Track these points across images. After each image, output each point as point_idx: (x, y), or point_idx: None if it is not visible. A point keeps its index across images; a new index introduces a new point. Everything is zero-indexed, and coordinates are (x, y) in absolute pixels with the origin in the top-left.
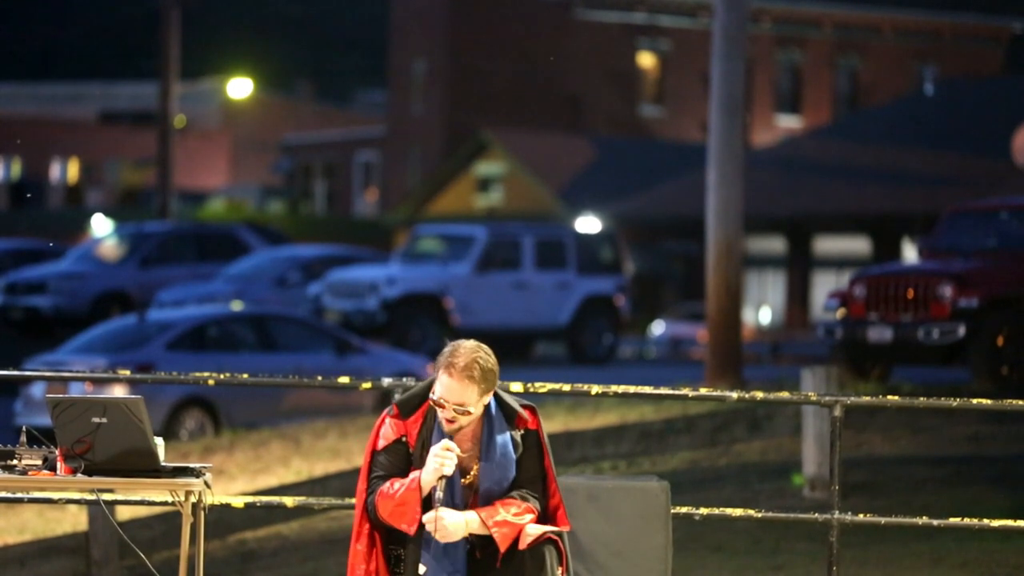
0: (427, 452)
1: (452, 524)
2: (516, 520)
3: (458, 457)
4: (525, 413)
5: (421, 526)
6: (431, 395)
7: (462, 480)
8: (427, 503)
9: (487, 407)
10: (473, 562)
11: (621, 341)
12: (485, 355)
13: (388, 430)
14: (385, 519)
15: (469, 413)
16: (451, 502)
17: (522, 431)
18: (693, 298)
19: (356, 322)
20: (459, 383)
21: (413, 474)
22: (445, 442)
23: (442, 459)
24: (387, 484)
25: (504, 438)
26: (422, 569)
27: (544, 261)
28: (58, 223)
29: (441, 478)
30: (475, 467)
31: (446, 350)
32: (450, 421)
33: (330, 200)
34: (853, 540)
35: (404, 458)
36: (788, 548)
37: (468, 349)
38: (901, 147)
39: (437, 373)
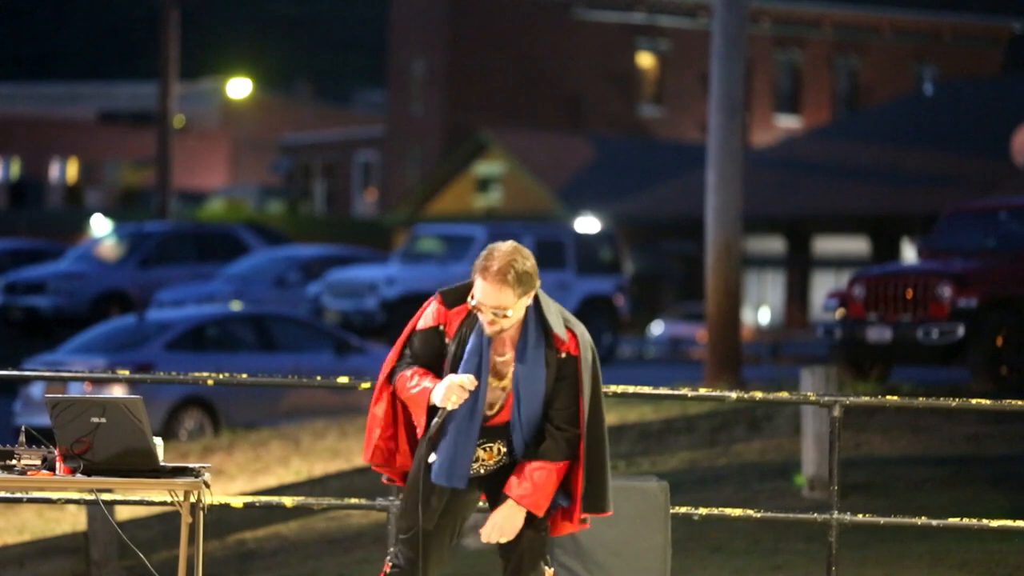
0: (462, 349)
1: (511, 526)
2: (541, 483)
3: (495, 362)
4: (564, 334)
5: (429, 423)
6: (469, 299)
7: (500, 384)
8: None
9: (527, 312)
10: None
11: (620, 341)
12: (522, 257)
13: (430, 315)
14: (404, 399)
15: (508, 316)
16: (474, 407)
17: (563, 355)
18: (692, 298)
19: (355, 322)
20: (494, 287)
21: (428, 382)
22: (468, 379)
23: (454, 394)
24: (410, 372)
25: (539, 352)
26: (432, 458)
27: (543, 261)
28: (57, 223)
29: (442, 409)
30: (510, 372)
31: (483, 253)
32: (491, 323)
33: (329, 200)
34: (852, 540)
35: (438, 347)
36: (787, 548)
37: (503, 252)
38: (900, 147)
39: (474, 277)
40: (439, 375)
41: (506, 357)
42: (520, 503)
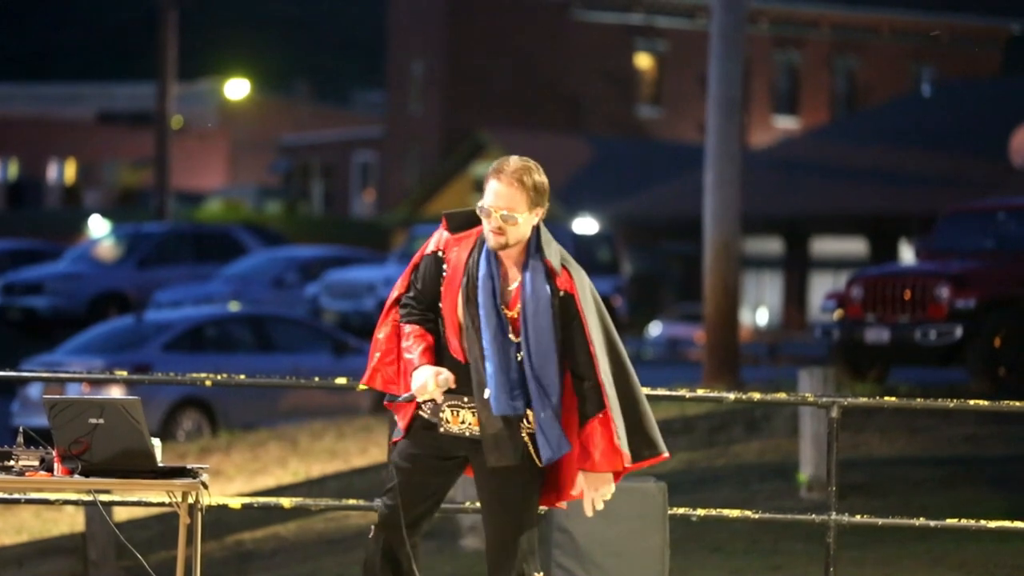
0: (472, 278)
1: (606, 489)
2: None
3: (502, 291)
4: (559, 268)
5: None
6: (478, 206)
7: (508, 312)
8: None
9: (531, 241)
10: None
11: None
12: (533, 166)
13: (433, 240)
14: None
15: (516, 223)
16: (498, 320)
17: (561, 293)
18: (690, 299)
19: (354, 323)
20: (507, 187)
21: (417, 353)
22: (446, 379)
23: (428, 390)
24: (409, 331)
25: (542, 282)
26: (486, 393)
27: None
28: (55, 224)
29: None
30: (518, 303)
31: (496, 162)
32: (497, 233)
33: (327, 201)
34: (850, 541)
35: (435, 275)
36: (786, 549)
37: (517, 159)
38: (899, 148)
39: (486, 183)
40: (435, 305)
41: (512, 286)
42: (596, 470)
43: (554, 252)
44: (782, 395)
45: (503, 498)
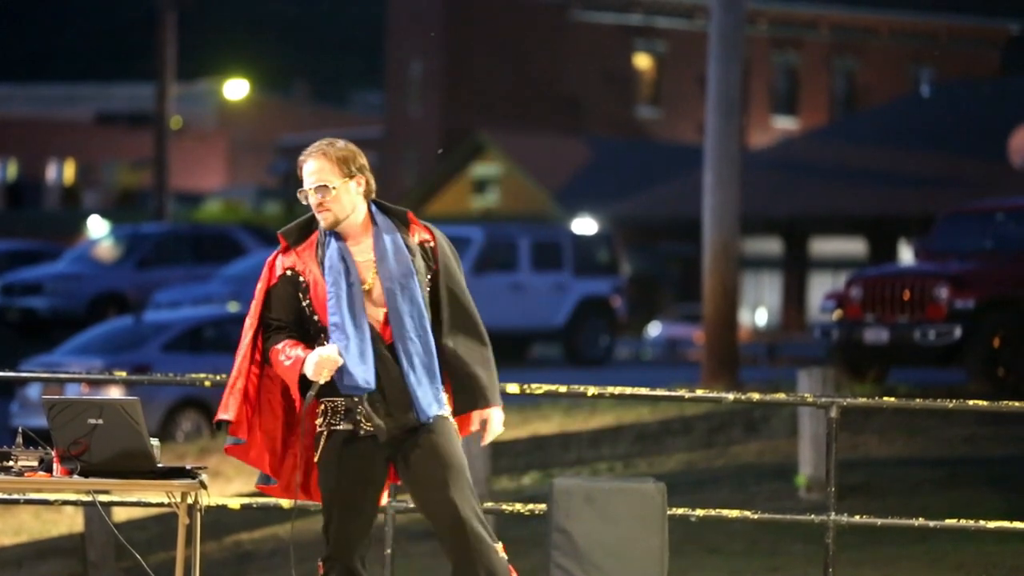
0: (320, 287)
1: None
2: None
3: (355, 264)
4: (414, 222)
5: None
6: (298, 193)
7: (363, 286)
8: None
9: (370, 212)
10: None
11: (617, 342)
12: (343, 143)
13: (278, 264)
14: (276, 368)
15: (330, 190)
16: (350, 297)
17: (419, 244)
18: (690, 299)
19: None
20: (314, 160)
21: (300, 351)
22: (334, 355)
23: (325, 368)
24: (281, 346)
25: (394, 236)
26: (350, 367)
27: (540, 263)
28: (54, 224)
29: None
30: (372, 272)
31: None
32: (320, 208)
33: None
34: (849, 541)
35: (294, 295)
36: (785, 550)
37: (319, 140)
38: (898, 149)
39: (299, 172)
40: (304, 329)
41: (365, 256)
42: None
43: (398, 213)
44: (781, 395)
45: (436, 476)
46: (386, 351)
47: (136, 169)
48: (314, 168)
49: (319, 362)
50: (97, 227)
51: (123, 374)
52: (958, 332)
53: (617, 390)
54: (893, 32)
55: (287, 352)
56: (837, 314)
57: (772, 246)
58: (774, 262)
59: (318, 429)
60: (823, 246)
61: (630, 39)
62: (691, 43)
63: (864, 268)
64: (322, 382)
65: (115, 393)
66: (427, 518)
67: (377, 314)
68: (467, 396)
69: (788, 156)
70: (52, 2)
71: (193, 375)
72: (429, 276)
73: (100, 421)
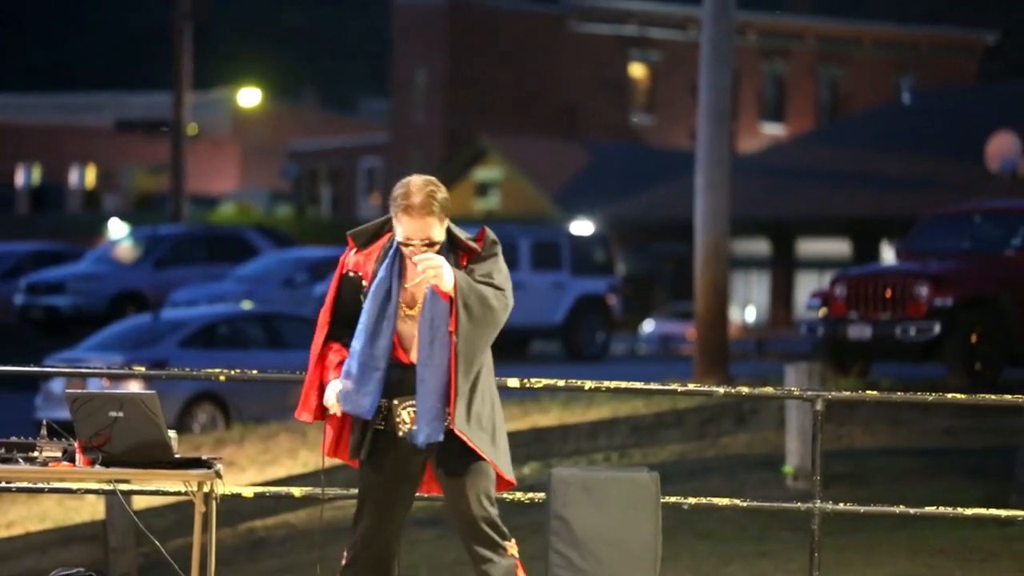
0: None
1: (447, 276)
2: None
3: (405, 288)
4: (469, 244)
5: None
6: (397, 238)
7: (410, 310)
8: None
9: (444, 242)
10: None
11: (613, 339)
12: (435, 187)
13: (346, 263)
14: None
15: (435, 244)
16: (381, 323)
17: (468, 262)
18: (682, 298)
19: None
20: (420, 220)
21: (332, 374)
22: (331, 400)
23: (338, 404)
24: (331, 351)
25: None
26: (338, 385)
27: (540, 262)
28: (76, 226)
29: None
30: (423, 299)
31: (398, 191)
32: (417, 257)
33: (335, 204)
34: (834, 528)
35: (353, 293)
36: (772, 536)
37: (418, 186)
38: (880, 153)
39: (395, 215)
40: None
41: (417, 280)
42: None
43: (462, 235)
44: (769, 389)
45: (459, 480)
46: (413, 370)
47: (154, 174)
48: (420, 228)
49: (336, 395)
50: (117, 229)
51: (142, 369)
52: (937, 329)
53: (613, 384)
54: (875, 42)
55: (329, 358)
56: (822, 312)
57: (760, 247)
58: (762, 262)
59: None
60: (809, 247)
61: (625, 49)
62: (683, 53)
63: (848, 268)
64: (332, 412)
65: (134, 387)
66: (452, 516)
67: (411, 330)
68: None
69: (776, 161)
70: (73, 15)
71: (208, 370)
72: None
73: (120, 414)
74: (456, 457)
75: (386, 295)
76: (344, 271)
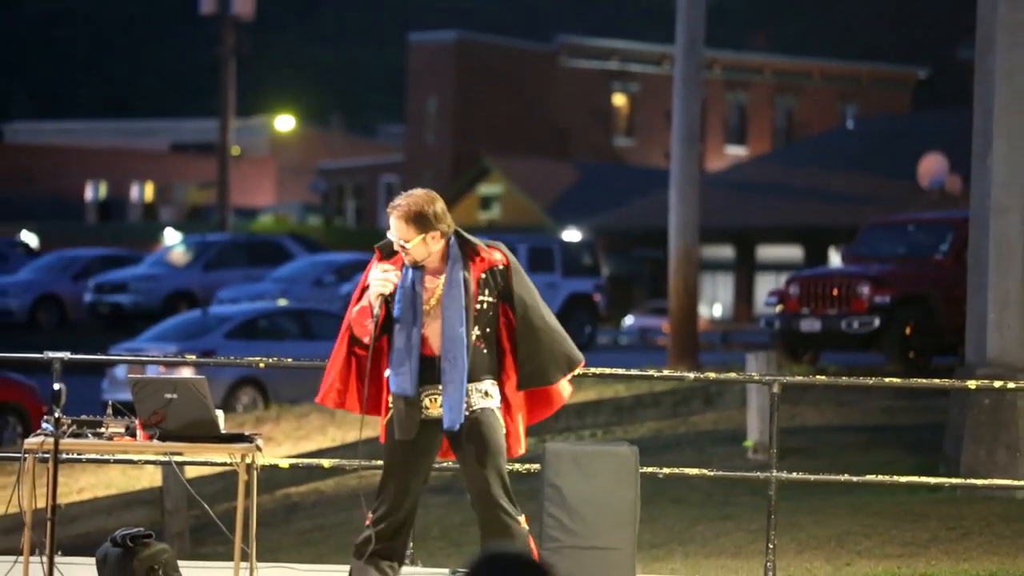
0: (395, 295)
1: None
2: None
3: (426, 288)
4: (483, 252)
5: (380, 335)
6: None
7: (425, 306)
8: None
9: (449, 246)
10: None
11: (599, 331)
12: (418, 200)
13: (373, 270)
14: (356, 333)
15: (407, 248)
16: (412, 318)
17: (489, 268)
18: (658, 296)
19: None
20: (396, 221)
21: (364, 301)
22: (383, 267)
23: (382, 280)
24: (355, 307)
25: (462, 273)
26: (387, 373)
27: (535, 265)
28: (137, 235)
29: (379, 296)
30: (437, 298)
31: (395, 200)
32: (403, 253)
33: (358, 215)
34: (788, 494)
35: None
36: (735, 501)
37: (409, 195)
38: (828, 172)
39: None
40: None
41: (436, 284)
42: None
43: (477, 241)
44: (733, 375)
45: (475, 458)
46: (438, 361)
47: (203, 189)
48: (394, 227)
49: (375, 281)
50: (171, 237)
51: (193, 357)
52: (877, 322)
53: (598, 370)
54: (823, 76)
55: (355, 307)
56: (779, 308)
57: (726, 252)
58: (727, 265)
59: (390, 405)
60: (767, 252)
61: (609, 81)
62: (659, 85)
63: (801, 270)
64: (387, 293)
65: (186, 373)
66: (467, 489)
67: (436, 329)
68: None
69: (739, 178)
70: (133, 53)
71: (249, 358)
72: (498, 291)
73: (175, 395)
74: (472, 437)
75: (411, 298)
76: (368, 281)
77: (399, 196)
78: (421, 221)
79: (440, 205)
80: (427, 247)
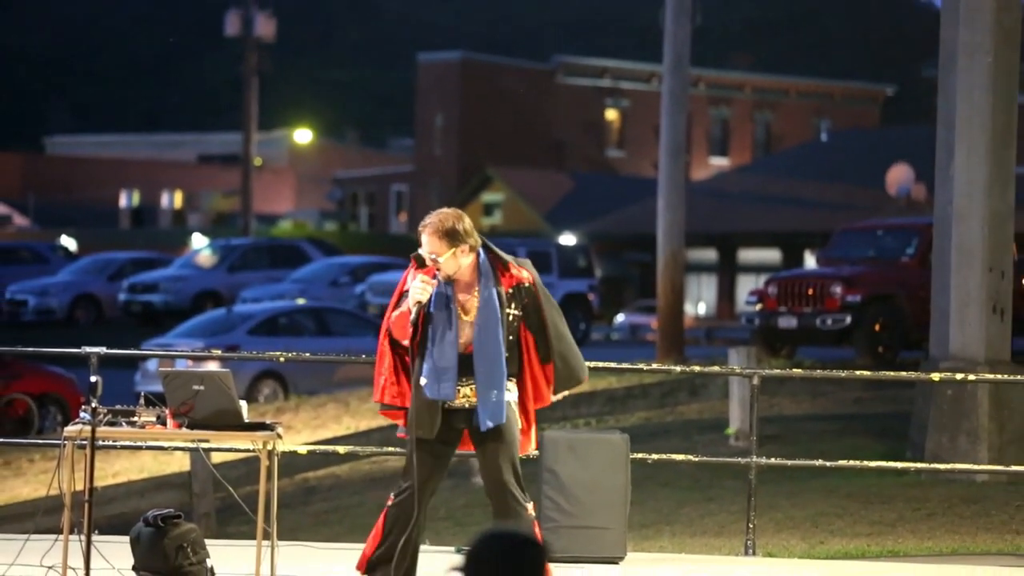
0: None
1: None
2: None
3: (460, 299)
4: (513, 269)
5: (414, 337)
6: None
7: (468, 319)
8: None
9: (478, 260)
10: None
11: (592, 328)
12: (447, 217)
13: (408, 279)
14: (396, 336)
15: (438, 262)
16: (448, 326)
17: (516, 284)
18: (647, 296)
19: None
20: (427, 237)
21: (403, 306)
22: (422, 276)
23: (420, 288)
24: (389, 315)
25: (494, 288)
26: (423, 380)
27: (534, 267)
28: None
29: (416, 303)
30: (474, 308)
31: (426, 219)
32: (434, 266)
33: (371, 221)
34: (767, 478)
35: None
36: (718, 484)
37: (438, 214)
38: (804, 181)
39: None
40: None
41: (469, 296)
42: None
43: (507, 258)
44: (716, 368)
45: (492, 450)
46: (471, 364)
47: (227, 197)
48: (425, 243)
49: (414, 287)
50: (198, 241)
51: (218, 352)
52: (849, 320)
53: (592, 364)
54: (799, 93)
55: (395, 313)
56: (758, 306)
57: (709, 255)
58: (711, 267)
59: (413, 402)
60: (747, 255)
61: (602, 97)
62: (648, 100)
63: (778, 271)
64: (424, 300)
65: (212, 366)
66: (482, 476)
67: (468, 335)
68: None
69: (721, 187)
70: (164, 71)
71: (271, 352)
72: (523, 305)
73: (202, 387)
74: (493, 431)
75: (446, 306)
76: (406, 287)
77: (428, 215)
78: (451, 236)
79: (467, 222)
80: (457, 261)
